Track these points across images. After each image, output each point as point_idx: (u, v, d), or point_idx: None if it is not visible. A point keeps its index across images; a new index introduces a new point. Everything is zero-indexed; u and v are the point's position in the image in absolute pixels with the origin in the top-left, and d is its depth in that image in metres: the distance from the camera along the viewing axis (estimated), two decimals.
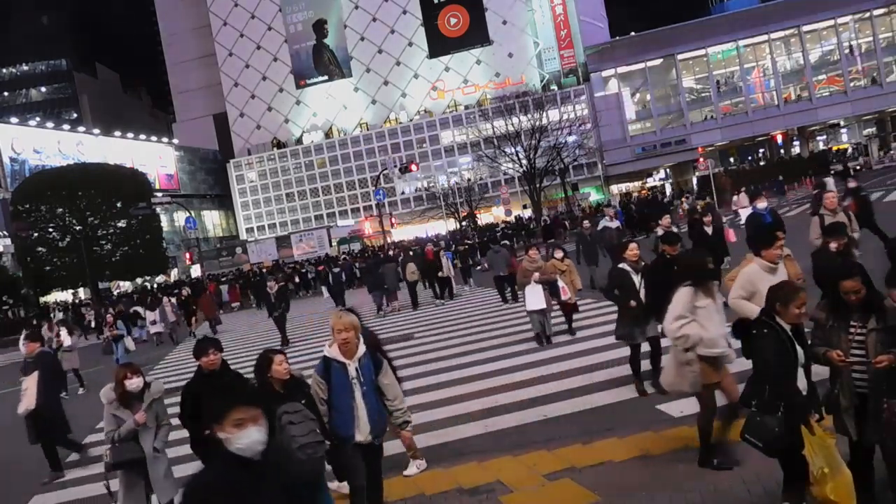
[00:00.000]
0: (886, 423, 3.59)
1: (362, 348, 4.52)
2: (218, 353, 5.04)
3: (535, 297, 10.17)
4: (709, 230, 11.53)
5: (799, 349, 3.79)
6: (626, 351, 9.09)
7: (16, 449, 10.30)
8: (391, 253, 30.27)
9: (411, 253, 23.78)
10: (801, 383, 3.84)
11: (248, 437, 2.46)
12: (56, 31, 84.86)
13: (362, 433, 4.44)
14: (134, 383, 5.13)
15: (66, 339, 15.04)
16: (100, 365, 17.31)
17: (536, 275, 10.18)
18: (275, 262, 49.39)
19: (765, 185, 33.87)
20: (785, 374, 3.73)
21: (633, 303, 6.97)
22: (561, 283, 10.30)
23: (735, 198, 28.23)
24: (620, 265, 7.26)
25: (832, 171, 35.48)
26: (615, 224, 17.54)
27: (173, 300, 27.00)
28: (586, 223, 18.24)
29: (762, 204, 11.67)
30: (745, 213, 23.82)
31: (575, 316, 10.94)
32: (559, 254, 10.80)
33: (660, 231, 10.35)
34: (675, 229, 9.81)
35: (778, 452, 3.81)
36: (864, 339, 3.70)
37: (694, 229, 12.26)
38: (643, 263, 7.27)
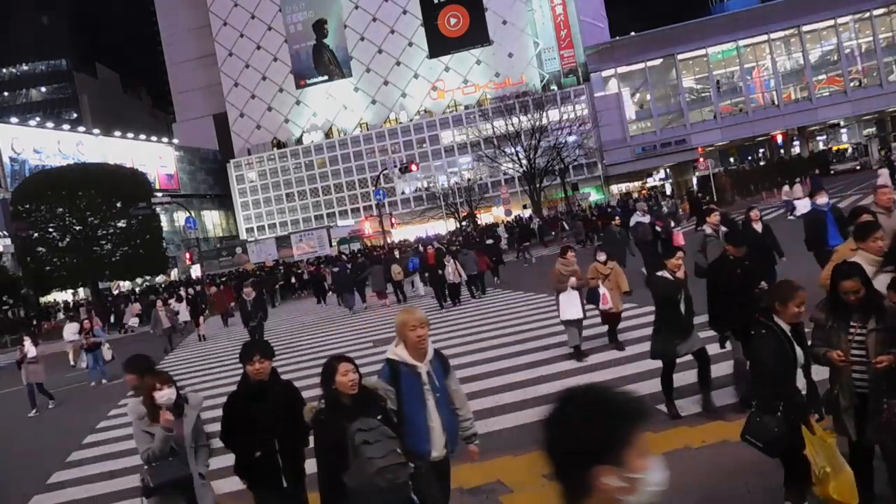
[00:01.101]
0: (886, 423, 3.59)
1: (432, 349, 4.01)
2: (266, 361, 4.23)
3: (571, 305, 9.11)
4: (758, 227, 10.03)
5: (798, 349, 3.79)
6: (627, 350, 9.12)
7: (15, 449, 10.32)
8: (385, 254, 30.45)
9: (397, 254, 25.33)
10: (801, 383, 3.84)
11: (659, 473, 1.63)
12: (56, 31, 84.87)
13: (437, 447, 3.86)
14: (164, 395, 4.22)
15: (31, 350, 13.58)
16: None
17: (573, 280, 9.10)
18: (275, 262, 49.45)
19: (805, 178, 31.97)
20: (784, 374, 3.74)
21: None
22: (602, 290, 9.27)
23: (786, 188, 26.58)
24: (660, 273, 6.52)
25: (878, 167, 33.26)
26: (648, 219, 16.22)
27: (172, 302, 26.47)
28: (617, 220, 16.90)
29: (822, 199, 10.19)
30: (801, 205, 22.48)
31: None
32: (602, 256, 9.62)
33: (708, 230, 9.02)
34: (723, 228, 8.57)
35: (778, 452, 3.82)
36: (864, 340, 3.71)
37: (744, 227, 10.56)
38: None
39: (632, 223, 16.07)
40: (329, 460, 3.55)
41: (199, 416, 4.46)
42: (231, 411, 4.29)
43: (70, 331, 20.77)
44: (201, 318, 20.91)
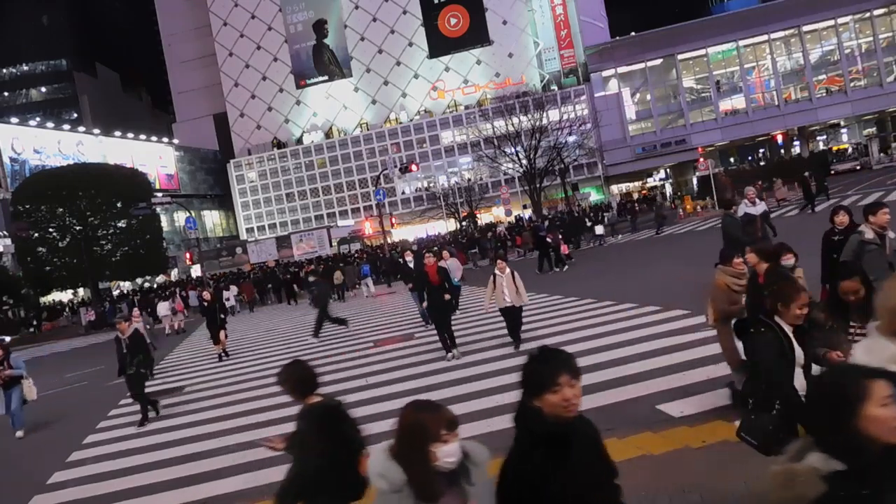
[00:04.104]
0: None
1: None
2: (577, 383, 2.49)
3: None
4: None
5: (798, 349, 3.80)
6: (628, 350, 9.08)
7: (15, 450, 10.31)
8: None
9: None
10: (800, 383, 3.84)
11: None
12: (56, 31, 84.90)
13: None
14: (451, 454, 2.39)
15: None
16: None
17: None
18: (276, 262, 49.51)
19: None
20: (782, 373, 3.74)
21: None
22: None
23: None
24: None
25: None
26: (759, 209, 12.83)
27: (165, 307, 27.65)
28: (735, 207, 13.48)
29: None
30: None
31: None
32: (790, 258, 6.16)
33: (868, 233, 6.51)
34: (891, 234, 6.64)
35: (773, 451, 3.82)
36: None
37: None
38: None
39: (739, 213, 12.71)
40: None
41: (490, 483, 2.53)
42: (520, 476, 2.44)
43: (163, 308, 27.15)
44: (223, 333, 15.94)
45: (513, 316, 10.63)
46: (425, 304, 11.53)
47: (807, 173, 30.18)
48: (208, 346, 18.16)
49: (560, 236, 23.70)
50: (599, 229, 31.73)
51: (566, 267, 22.44)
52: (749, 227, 11.92)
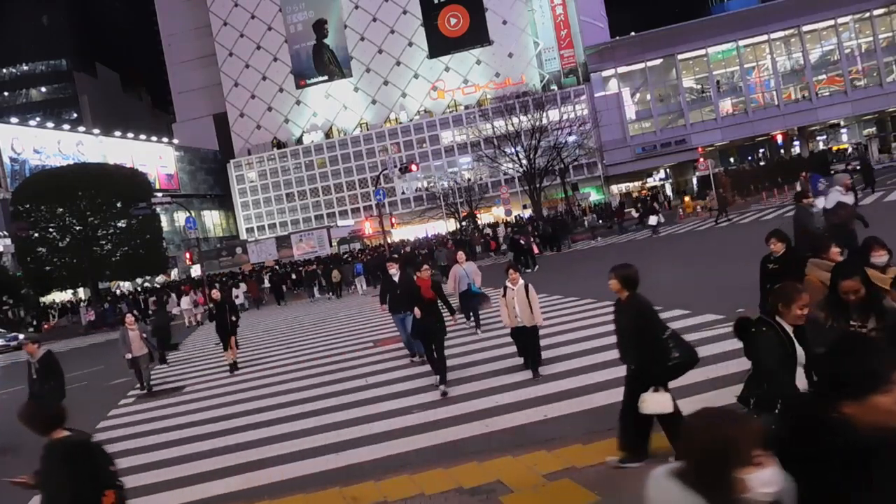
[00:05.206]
0: None
1: None
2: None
3: None
4: None
5: (799, 349, 3.80)
6: None
7: (15, 449, 10.31)
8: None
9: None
10: (802, 383, 3.84)
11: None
12: (56, 31, 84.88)
13: None
14: (769, 481, 1.96)
15: None
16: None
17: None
18: (275, 262, 49.57)
19: None
20: (784, 373, 3.74)
21: None
22: None
23: None
24: None
25: None
26: (852, 199, 11.51)
27: (187, 301, 29.05)
28: (809, 197, 11.31)
29: None
30: None
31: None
32: (882, 255, 5.16)
33: None
34: None
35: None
36: None
37: None
38: None
39: (829, 204, 11.22)
40: None
41: None
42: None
43: (185, 302, 29.01)
44: (233, 339, 13.84)
45: (525, 338, 8.82)
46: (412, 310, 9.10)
47: (849, 166, 29.94)
48: (208, 347, 18.12)
49: (532, 239, 25.62)
50: (653, 219, 30.85)
51: (534, 269, 23.95)
52: (835, 218, 10.33)
